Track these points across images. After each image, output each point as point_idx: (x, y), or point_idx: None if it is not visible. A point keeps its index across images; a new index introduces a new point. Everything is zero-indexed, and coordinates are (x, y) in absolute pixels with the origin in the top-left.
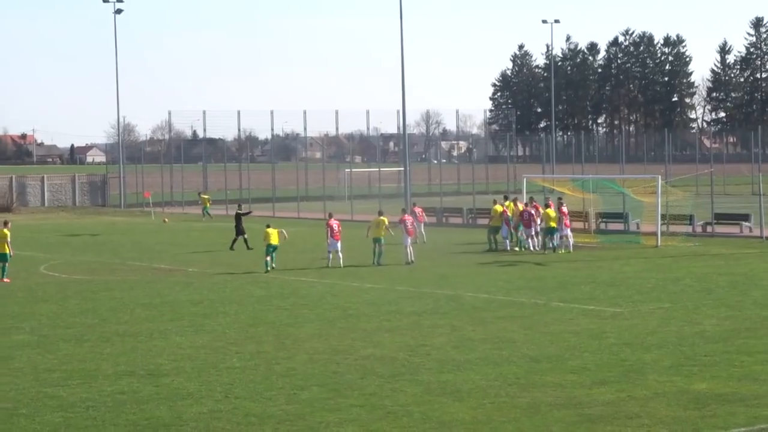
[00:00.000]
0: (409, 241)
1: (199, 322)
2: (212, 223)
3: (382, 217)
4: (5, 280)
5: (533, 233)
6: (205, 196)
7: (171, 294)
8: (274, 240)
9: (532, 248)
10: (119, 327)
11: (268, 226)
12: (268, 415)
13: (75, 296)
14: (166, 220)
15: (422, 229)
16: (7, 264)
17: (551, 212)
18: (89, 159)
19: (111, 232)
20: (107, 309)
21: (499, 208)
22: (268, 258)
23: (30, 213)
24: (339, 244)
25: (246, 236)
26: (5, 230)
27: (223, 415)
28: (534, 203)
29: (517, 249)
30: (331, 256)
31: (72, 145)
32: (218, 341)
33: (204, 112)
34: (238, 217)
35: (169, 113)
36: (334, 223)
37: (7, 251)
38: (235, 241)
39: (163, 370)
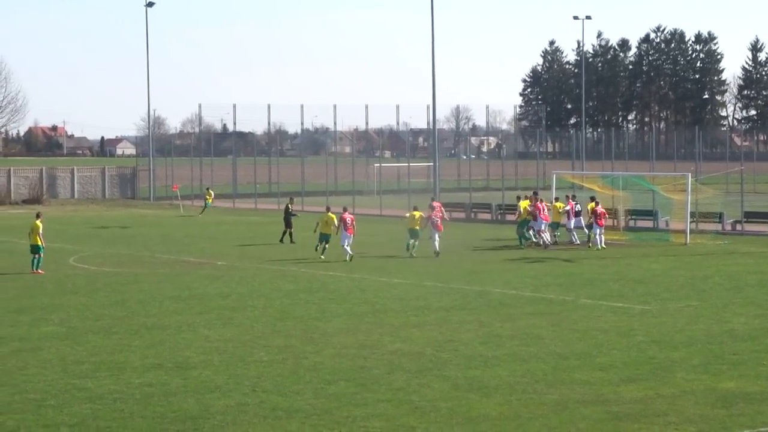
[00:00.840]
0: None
1: (227, 315)
2: (246, 217)
3: (416, 212)
4: (39, 271)
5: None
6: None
7: (200, 287)
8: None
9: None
10: (148, 319)
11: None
12: (295, 409)
13: (104, 288)
14: (182, 211)
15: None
16: (40, 255)
17: (559, 205)
18: (119, 151)
19: (140, 224)
20: (136, 301)
21: (524, 203)
22: (326, 245)
23: (60, 205)
24: (351, 238)
25: (292, 230)
26: (38, 222)
27: (250, 408)
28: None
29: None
30: (348, 249)
31: (102, 138)
32: (246, 335)
33: (234, 106)
34: (288, 211)
35: (200, 106)
36: (348, 217)
37: (40, 243)
38: (284, 234)
39: (191, 363)
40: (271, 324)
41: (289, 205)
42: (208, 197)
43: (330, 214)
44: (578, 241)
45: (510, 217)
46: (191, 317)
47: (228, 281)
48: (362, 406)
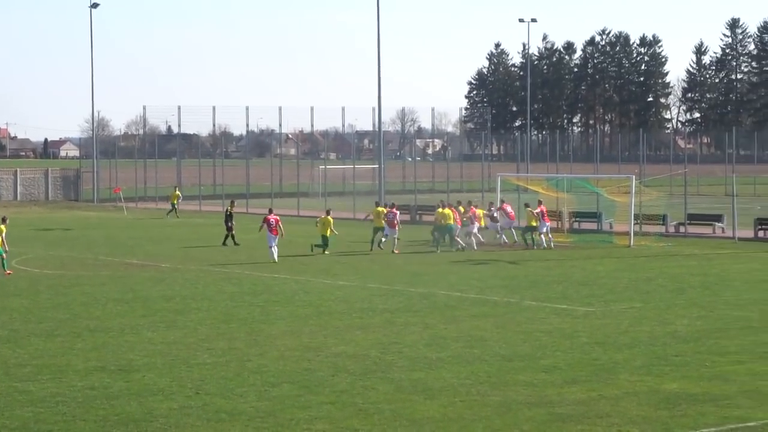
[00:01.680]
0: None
1: (171, 318)
2: (190, 219)
3: (379, 208)
4: (8, 272)
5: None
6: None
7: (143, 289)
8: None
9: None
10: (91, 322)
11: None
12: (238, 411)
13: (47, 291)
14: (126, 213)
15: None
16: (3, 258)
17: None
18: (63, 153)
19: (84, 227)
20: (79, 304)
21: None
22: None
23: (2, 207)
24: (277, 239)
25: (234, 232)
26: (2, 226)
27: (194, 411)
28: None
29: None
30: (273, 251)
31: (45, 139)
32: (190, 337)
33: (179, 108)
34: (228, 214)
35: (144, 108)
36: (272, 218)
37: (3, 246)
38: (226, 237)
39: (134, 366)
40: (215, 326)
41: (229, 208)
42: (173, 199)
43: (329, 217)
44: (507, 242)
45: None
46: (135, 320)
47: (172, 284)
48: (306, 409)
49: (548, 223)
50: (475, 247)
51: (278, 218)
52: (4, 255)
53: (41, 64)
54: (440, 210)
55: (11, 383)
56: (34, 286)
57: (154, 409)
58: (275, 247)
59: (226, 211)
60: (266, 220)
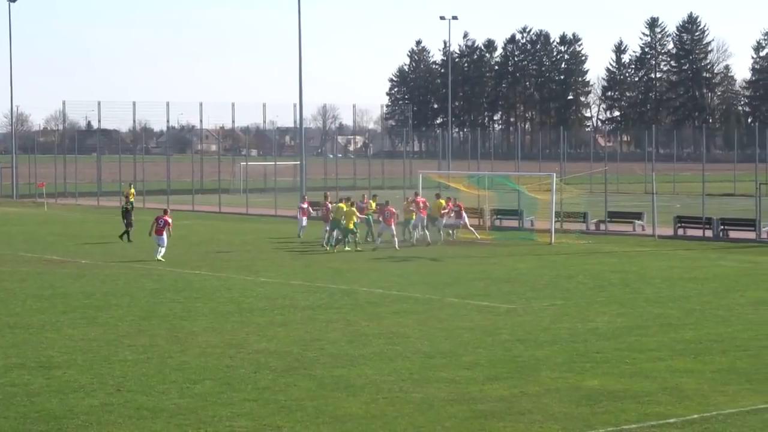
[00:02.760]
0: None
1: (91, 314)
2: (111, 216)
3: (341, 204)
4: None
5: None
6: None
7: (63, 286)
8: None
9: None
10: (10, 319)
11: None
12: (160, 408)
13: None
14: (46, 208)
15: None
16: None
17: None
18: None
19: (2, 222)
20: None
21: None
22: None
23: None
24: (165, 239)
25: (131, 229)
26: None
27: (115, 408)
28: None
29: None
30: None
31: None
32: (111, 334)
33: (99, 103)
34: (126, 210)
35: (64, 103)
36: (164, 220)
37: None
38: (125, 232)
39: (55, 363)
40: (135, 323)
41: (125, 203)
42: (130, 195)
43: (340, 204)
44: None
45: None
46: (55, 316)
47: (92, 280)
48: (228, 406)
49: (443, 220)
50: (397, 247)
51: (170, 221)
52: None
53: None
54: (340, 205)
55: None
56: None
57: (75, 406)
58: (163, 248)
59: (124, 206)
60: (157, 220)
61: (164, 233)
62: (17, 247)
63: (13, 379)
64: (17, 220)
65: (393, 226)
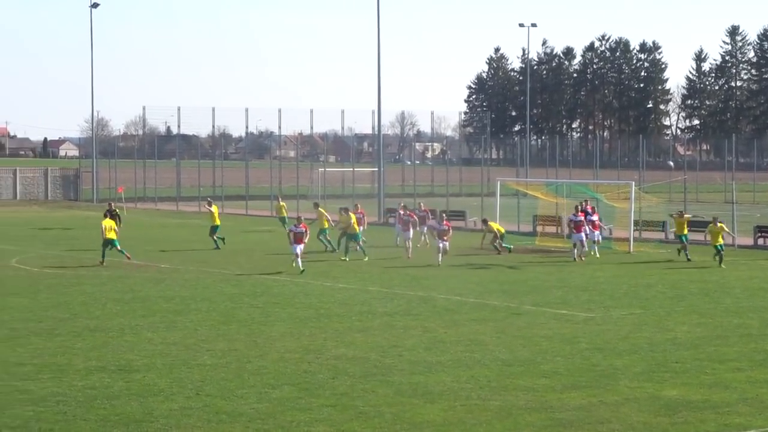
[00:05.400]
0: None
1: (170, 318)
2: (189, 220)
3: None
4: None
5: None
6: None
7: (143, 290)
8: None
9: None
10: (90, 322)
11: (348, 209)
12: (238, 413)
13: (46, 290)
14: (125, 213)
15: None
16: None
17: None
18: (62, 153)
19: (83, 226)
20: (79, 303)
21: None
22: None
23: (1, 206)
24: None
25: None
26: None
27: (194, 412)
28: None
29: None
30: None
31: (45, 139)
32: (190, 338)
33: (178, 108)
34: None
35: (144, 109)
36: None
37: None
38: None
39: (135, 366)
40: (214, 328)
41: (115, 210)
42: (282, 212)
43: (350, 213)
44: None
45: (455, 223)
46: (134, 320)
47: (171, 284)
48: (306, 411)
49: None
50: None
51: (308, 229)
52: None
53: (42, 63)
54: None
55: (11, 382)
56: (33, 285)
57: (154, 409)
58: (299, 258)
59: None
60: (294, 229)
61: (303, 242)
62: (98, 251)
63: (93, 382)
64: (97, 224)
65: (410, 232)
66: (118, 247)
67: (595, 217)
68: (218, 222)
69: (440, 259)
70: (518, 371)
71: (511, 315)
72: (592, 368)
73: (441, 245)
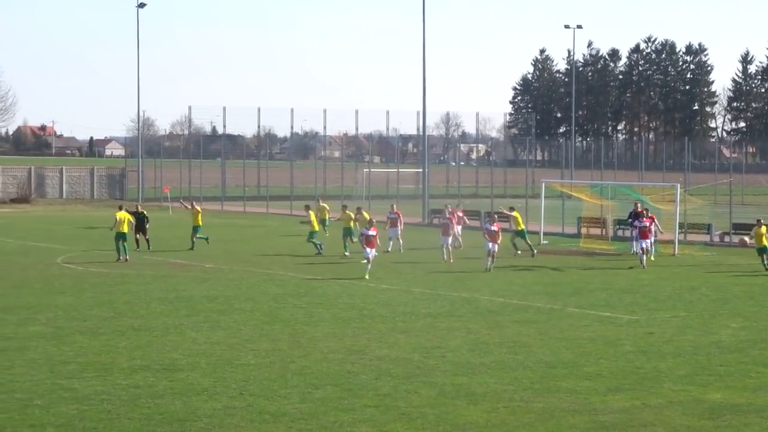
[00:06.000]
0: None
1: (214, 318)
2: (234, 220)
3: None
4: None
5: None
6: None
7: (187, 289)
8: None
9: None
10: (135, 321)
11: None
12: (282, 413)
13: (91, 289)
14: (171, 213)
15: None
16: None
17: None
18: (108, 152)
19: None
20: (123, 302)
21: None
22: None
23: (48, 204)
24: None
25: (148, 237)
26: None
27: (237, 411)
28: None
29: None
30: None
31: (91, 138)
32: (233, 338)
33: (224, 108)
34: (139, 217)
35: (189, 108)
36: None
37: None
38: (138, 240)
39: (178, 365)
40: (258, 327)
41: (143, 212)
42: (324, 213)
43: (348, 212)
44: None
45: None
46: (178, 319)
47: (215, 284)
48: (349, 411)
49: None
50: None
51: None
52: None
53: (88, 62)
54: (351, 212)
55: (56, 380)
56: (78, 284)
57: (198, 408)
58: (369, 264)
59: (141, 214)
60: (366, 233)
61: (374, 246)
62: (142, 251)
63: (137, 381)
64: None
65: (449, 237)
66: (125, 243)
67: (646, 222)
68: (200, 223)
69: (490, 265)
70: (561, 373)
71: (554, 317)
72: (636, 371)
73: (491, 248)
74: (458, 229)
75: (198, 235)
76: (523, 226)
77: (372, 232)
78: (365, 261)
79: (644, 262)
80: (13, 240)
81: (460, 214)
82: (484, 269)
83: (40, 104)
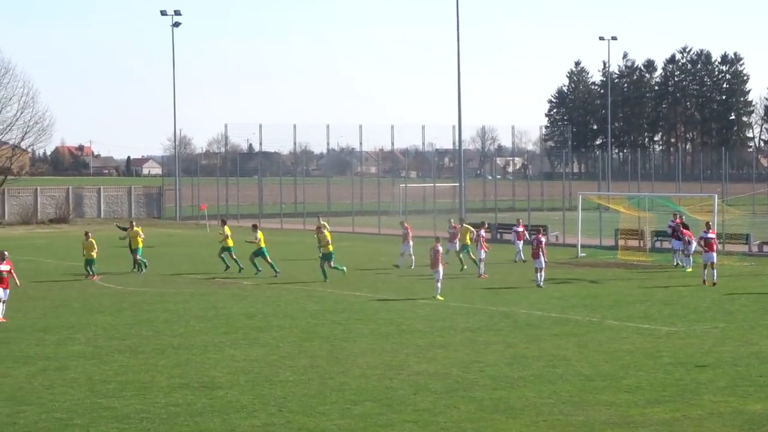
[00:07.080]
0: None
1: (253, 335)
2: (275, 238)
3: (466, 225)
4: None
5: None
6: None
7: (225, 307)
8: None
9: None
10: (174, 339)
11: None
12: (321, 429)
13: (130, 308)
14: (209, 230)
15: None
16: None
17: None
18: (145, 171)
19: (166, 244)
20: (162, 321)
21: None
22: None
23: (86, 224)
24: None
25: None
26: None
27: (277, 428)
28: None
29: None
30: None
31: (128, 157)
32: (272, 355)
33: (260, 126)
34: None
35: (226, 126)
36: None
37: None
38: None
39: (217, 383)
40: (296, 344)
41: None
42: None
43: (327, 232)
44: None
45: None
46: (217, 337)
47: (254, 301)
48: (388, 427)
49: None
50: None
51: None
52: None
53: (124, 82)
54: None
55: (96, 399)
56: (117, 303)
57: (237, 426)
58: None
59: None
60: (434, 249)
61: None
62: (181, 269)
63: (176, 399)
64: (180, 242)
65: (482, 251)
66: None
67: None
68: (140, 245)
69: (540, 279)
70: (600, 386)
71: (593, 329)
72: (675, 383)
73: (538, 265)
74: (482, 253)
75: (139, 257)
76: (469, 241)
77: (440, 248)
78: (436, 281)
79: (715, 277)
80: (52, 260)
81: (483, 234)
82: (538, 286)
83: (77, 124)
